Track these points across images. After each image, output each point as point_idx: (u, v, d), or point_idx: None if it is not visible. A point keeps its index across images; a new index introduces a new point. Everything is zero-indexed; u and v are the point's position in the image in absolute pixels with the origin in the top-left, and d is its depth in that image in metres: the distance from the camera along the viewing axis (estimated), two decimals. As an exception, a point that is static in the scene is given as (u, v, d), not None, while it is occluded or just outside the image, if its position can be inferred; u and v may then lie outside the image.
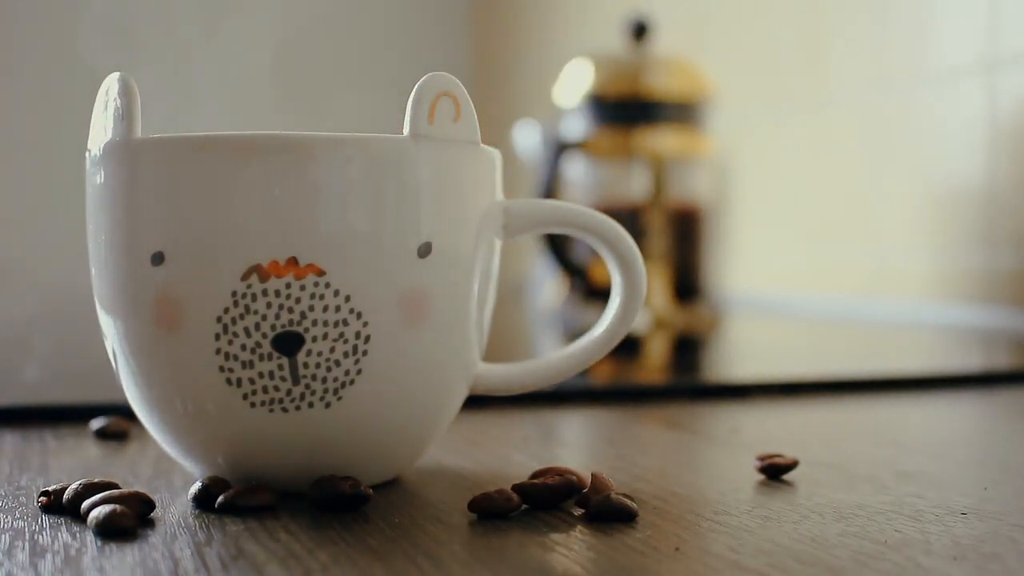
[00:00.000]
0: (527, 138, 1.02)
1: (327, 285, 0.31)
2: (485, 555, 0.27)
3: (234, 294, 0.31)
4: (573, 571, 0.26)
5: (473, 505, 0.31)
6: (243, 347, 0.31)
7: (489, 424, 0.45)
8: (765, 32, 1.24)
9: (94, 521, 0.29)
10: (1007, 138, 0.91)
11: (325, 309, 0.31)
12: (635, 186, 0.92)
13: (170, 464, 0.37)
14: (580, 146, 0.91)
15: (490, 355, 0.37)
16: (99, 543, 0.28)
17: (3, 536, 0.29)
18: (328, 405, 0.32)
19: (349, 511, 0.31)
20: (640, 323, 0.85)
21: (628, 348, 0.70)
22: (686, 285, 0.91)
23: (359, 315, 0.32)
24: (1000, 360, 0.74)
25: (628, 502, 0.30)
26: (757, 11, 1.26)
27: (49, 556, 0.27)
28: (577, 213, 0.36)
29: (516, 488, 0.31)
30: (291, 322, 0.31)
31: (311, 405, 0.32)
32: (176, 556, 0.27)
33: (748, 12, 1.29)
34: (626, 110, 0.91)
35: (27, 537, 0.29)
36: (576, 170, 0.94)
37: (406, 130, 0.32)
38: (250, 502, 0.31)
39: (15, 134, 1.86)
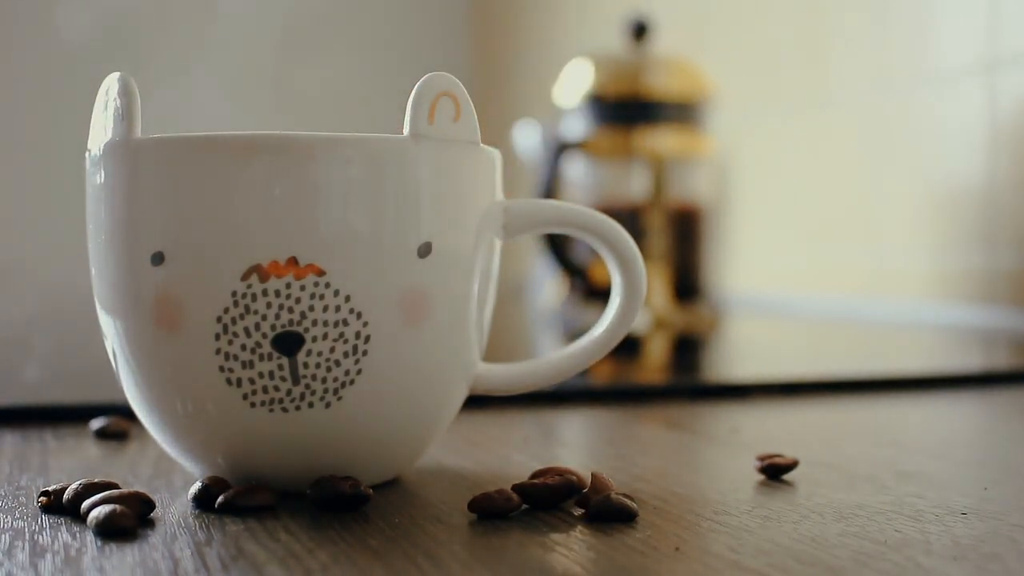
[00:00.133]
0: (527, 138, 1.02)
1: (327, 285, 0.31)
2: (485, 555, 0.27)
3: (234, 294, 0.31)
4: (573, 571, 0.26)
5: (473, 505, 0.31)
6: (243, 347, 0.31)
7: (489, 424, 0.45)
8: (765, 32, 1.24)
9: (94, 521, 0.29)
10: (1007, 138, 0.91)
11: (325, 309, 0.31)
12: (635, 186, 0.92)
13: (170, 464, 0.37)
14: (580, 146, 0.91)
15: (490, 355, 0.37)
16: (99, 543, 0.28)
17: (3, 536, 0.29)
18: (328, 405, 0.32)
19: (349, 511, 0.31)
20: (640, 323, 0.85)
21: (628, 348, 0.70)
22: (686, 285, 0.91)
23: (359, 315, 0.32)
24: (1000, 360, 0.74)
25: (628, 502, 0.30)
26: (757, 11, 1.26)
27: (49, 556, 0.27)
28: (577, 213, 0.36)
29: (516, 488, 0.31)
30: (291, 322, 0.31)
31: (311, 405, 0.32)
32: (176, 556, 0.27)
33: (748, 12, 1.29)
34: (626, 110, 0.91)
35: (27, 537, 0.29)
36: (576, 170, 0.94)
37: (406, 130, 0.32)
38: (250, 502, 0.31)
39: (15, 134, 1.86)
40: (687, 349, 0.81)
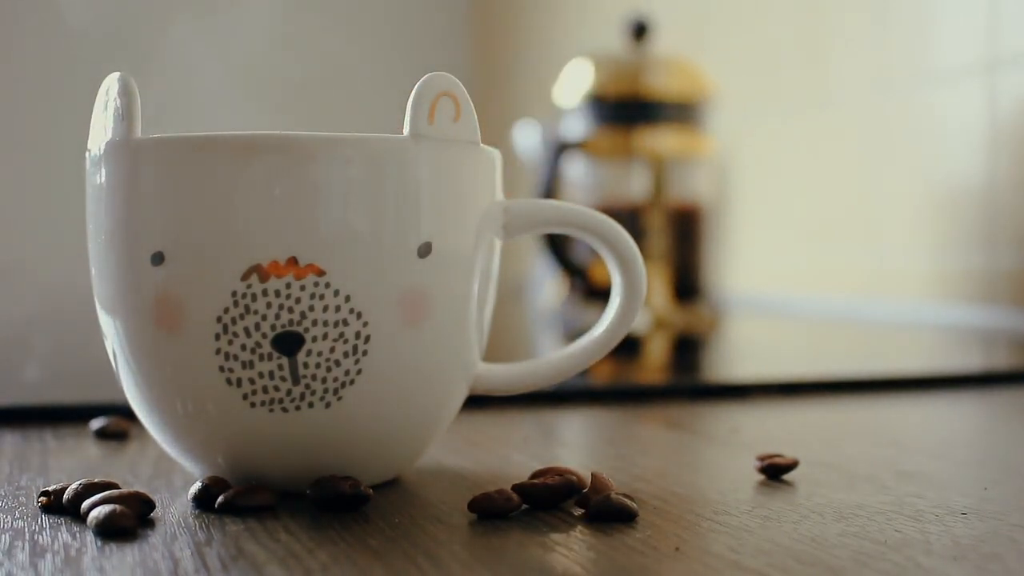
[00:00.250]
0: (527, 138, 1.02)
1: (327, 285, 0.31)
2: (485, 555, 0.27)
3: (234, 294, 0.31)
4: (573, 571, 0.26)
5: (473, 505, 0.31)
6: (243, 347, 0.31)
7: (489, 424, 0.45)
8: (765, 32, 1.24)
9: (94, 521, 0.29)
10: (1007, 138, 0.91)
11: (325, 309, 0.31)
12: (635, 186, 0.92)
13: (170, 464, 0.37)
14: (580, 146, 0.91)
15: (490, 355, 0.37)
16: (99, 543, 0.28)
17: (3, 536, 0.29)
18: (328, 405, 0.32)
19: (349, 511, 0.31)
20: (640, 323, 0.85)
21: (628, 348, 0.70)
22: (686, 285, 0.91)
23: (359, 315, 0.32)
24: (1000, 360, 0.74)
25: (628, 502, 0.30)
26: (757, 11, 1.26)
27: (49, 556, 0.27)
28: (577, 213, 0.36)
29: (516, 488, 0.31)
30: (291, 322, 0.31)
31: (311, 405, 0.32)
32: (176, 556, 0.27)
33: (748, 12, 1.29)
34: (626, 110, 0.91)
35: (27, 537, 0.29)
36: (576, 170, 0.94)
37: (406, 130, 0.32)
38: (250, 502, 0.31)
39: (15, 134, 1.86)
40: (687, 349, 0.81)
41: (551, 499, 0.31)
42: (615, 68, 0.93)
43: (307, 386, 0.32)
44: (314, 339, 0.31)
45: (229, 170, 0.31)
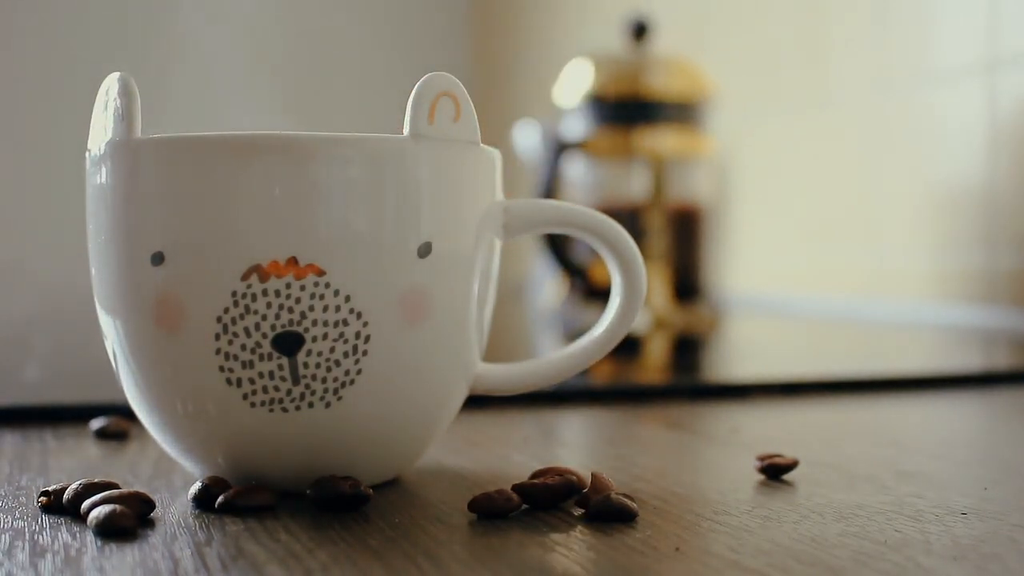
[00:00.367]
0: (527, 138, 1.02)
1: (327, 285, 0.31)
2: (485, 555, 0.27)
3: (234, 294, 0.31)
4: (573, 571, 0.26)
5: (473, 505, 0.31)
6: (243, 347, 0.31)
7: (489, 424, 0.45)
8: (765, 32, 1.24)
9: (94, 521, 0.29)
10: (1007, 138, 0.91)
11: (325, 309, 0.31)
12: (635, 186, 0.92)
13: (170, 464, 0.37)
14: (580, 146, 0.91)
15: (490, 355, 0.37)
16: (99, 543, 0.28)
17: (3, 536, 0.29)
18: (328, 405, 0.32)
19: (349, 511, 0.31)
20: (640, 323, 0.85)
21: (628, 348, 0.70)
22: (686, 285, 0.91)
23: (359, 315, 0.32)
24: (1000, 360, 0.74)
25: (628, 502, 0.30)
26: (757, 11, 1.27)
27: (49, 556, 0.27)
28: (577, 213, 0.36)
29: (516, 488, 0.31)
30: (291, 322, 0.31)
31: (311, 405, 0.32)
32: (176, 556, 0.27)
33: (748, 12, 1.29)
34: (626, 110, 0.91)
35: (27, 537, 0.29)
36: (576, 170, 0.94)
37: (406, 130, 0.32)
38: (250, 502, 0.31)
39: (15, 134, 1.86)
40: (687, 349, 0.81)
41: (551, 499, 0.31)
42: (615, 68, 0.93)
43: (307, 386, 0.32)
44: (314, 339, 0.31)
45: (229, 170, 0.31)
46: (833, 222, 1.13)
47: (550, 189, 0.89)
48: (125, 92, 0.33)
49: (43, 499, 0.31)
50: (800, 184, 1.18)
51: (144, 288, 0.32)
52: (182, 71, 1.87)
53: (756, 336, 0.92)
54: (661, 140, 0.91)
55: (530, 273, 1.23)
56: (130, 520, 0.29)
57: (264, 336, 0.31)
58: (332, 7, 2.04)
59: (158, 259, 0.32)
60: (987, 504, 0.32)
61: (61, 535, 0.29)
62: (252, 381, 0.32)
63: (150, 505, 0.30)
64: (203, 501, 0.31)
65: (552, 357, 0.37)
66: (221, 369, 0.32)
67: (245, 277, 0.31)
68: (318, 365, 0.32)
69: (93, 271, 0.34)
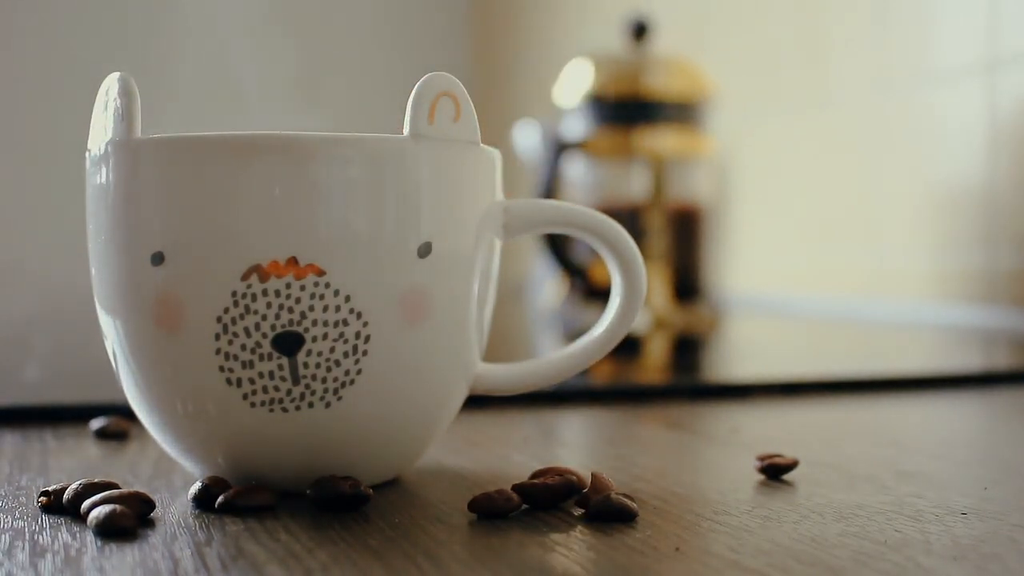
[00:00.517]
0: (527, 138, 1.02)
1: (327, 285, 0.31)
2: (485, 555, 0.27)
3: (234, 294, 0.31)
4: (573, 571, 0.26)
5: (473, 505, 0.31)
6: (243, 347, 0.31)
7: (489, 424, 0.45)
8: (765, 32, 1.24)
9: (94, 521, 0.29)
10: (1007, 138, 0.91)
11: (325, 309, 0.31)
12: (635, 186, 0.92)
13: (170, 464, 0.37)
14: (580, 146, 0.91)
15: (490, 355, 0.37)
16: (99, 543, 0.28)
17: (3, 536, 0.29)
18: (328, 405, 0.32)
19: (349, 511, 0.31)
20: (640, 323, 0.85)
21: (628, 348, 0.70)
22: (686, 285, 0.91)
23: (359, 315, 0.32)
24: (1000, 360, 0.74)
25: (628, 502, 0.30)
26: (757, 11, 1.27)
27: (49, 556, 0.27)
28: (577, 213, 0.36)
29: (516, 488, 0.31)
30: (291, 322, 0.31)
31: (311, 405, 0.32)
32: (176, 556, 0.27)
33: (748, 12, 1.29)
34: (626, 110, 0.91)
35: (27, 537, 0.29)
36: (576, 170, 0.94)
37: (406, 130, 0.32)
38: (250, 502, 0.31)
39: (15, 134, 1.86)
40: (687, 349, 0.81)
41: (551, 499, 0.31)
42: (615, 68, 0.93)
43: (307, 386, 0.32)
44: (314, 339, 0.31)
45: (229, 170, 0.31)
46: (833, 222, 1.13)
47: (550, 189, 0.89)
48: (125, 92, 0.33)
49: (43, 499, 0.31)
50: (800, 184, 1.18)
51: (144, 288, 0.32)
52: (182, 71, 1.87)
53: (756, 336, 0.92)
54: (661, 140, 0.91)
55: (530, 273, 1.23)
56: (130, 520, 0.29)
57: (264, 336, 0.31)
58: (332, 7, 2.04)
59: (158, 259, 0.32)
60: (987, 504, 0.32)
61: (61, 535, 0.29)
62: (252, 381, 0.32)
63: (150, 505, 0.30)
64: (203, 501, 0.31)
65: (552, 357, 0.37)
66: (221, 369, 0.32)
67: (245, 277, 0.31)
68: (318, 365, 0.32)
69: (93, 271, 0.34)
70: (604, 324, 0.36)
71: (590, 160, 0.93)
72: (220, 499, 0.31)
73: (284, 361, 0.31)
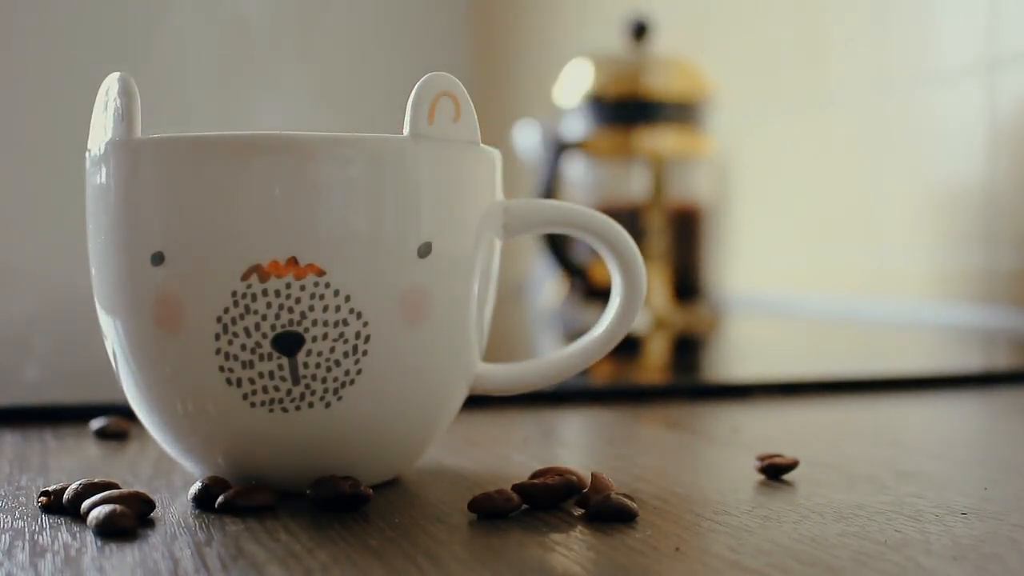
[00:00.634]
0: (527, 138, 1.02)
1: (327, 285, 0.31)
2: (485, 555, 0.27)
3: (234, 294, 0.31)
4: (573, 571, 0.26)
5: (473, 505, 0.31)
6: (243, 347, 0.31)
7: (489, 424, 0.45)
8: (765, 32, 1.24)
9: (94, 521, 0.29)
10: (1007, 138, 0.91)
11: (325, 309, 0.31)
12: (635, 186, 0.92)
13: (170, 464, 0.37)
14: (580, 146, 0.91)
15: (490, 355, 0.37)
16: (99, 543, 0.28)
17: (3, 536, 0.29)
18: (328, 405, 0.32)
19: (349, 511, 0.31)
20: (640, 323, 0.85)
21: (628, 348, 0.70)
22: (686, 285, 0.91)
23: (359, 315, 0.32)
24: (1000, 360, 0.74)
25: (628, 502, 0.30)
26: (757, 11, 1.27)
27: (49, 556, 0.27)
28: (577, 213, 0.36)
29: (516, 488, 0.31)
30: (291, 322, 0.31)
31: (311, 405, 0.32)
32: (176, 556, 0.27)
33: (748, 12, 1.29)
34: (626, 110, 0.91)
35: (27, 537, 0.29)
36: (576, 170, 0.94)
37: (406, 130, 0.32)
38: (250, 502, 0.31)
39: (15, 134, 1.86)
40: (687, 349, 0.81)
41: (551, 499, 0.31)
42: (615, 68, 0.93)
43: (307, 386, 0.32)
44: (314, 339, 0.31)
45: (229, 170, 0.31)
46: (833, 222, 1.13)
47: (550, 189, 0.89)
48: (125, 92, 0.33)
49: (43, 499, 0.31)
50: (800, 184, 1.18)
51: (144, 288, 0.32)
52: (182, 71, 1.87)
53: (756, 336, 0.92)
54: (661, 140, 0.91)
55: (530, 273, 1.23)
56: (130, 520, 0.29)
57: (264, 336, 0.31)
58: (332, 7, 2.04)
59: (158, 259, 0.32)
60: (987, 504, 0.32)
61: (61, 535, 0.29)
62: (252, 381, 0.32)
63: (150, 505, 0.30)
64: (203, 501, 0.31)
65: (552, 357, 0.37)
66: (221, 369, 0.32)
67: (245, 277, 0.31)
68: (318, 365, 0.32)
69: (93, 271, 0.34)
70: (604, 324, 0.36)
71: (590, 160, 0.93)
72: (220, 499, 0.31)
73: (284, 361, 0.31)
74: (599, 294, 0.86)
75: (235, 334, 0.31)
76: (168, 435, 0.34)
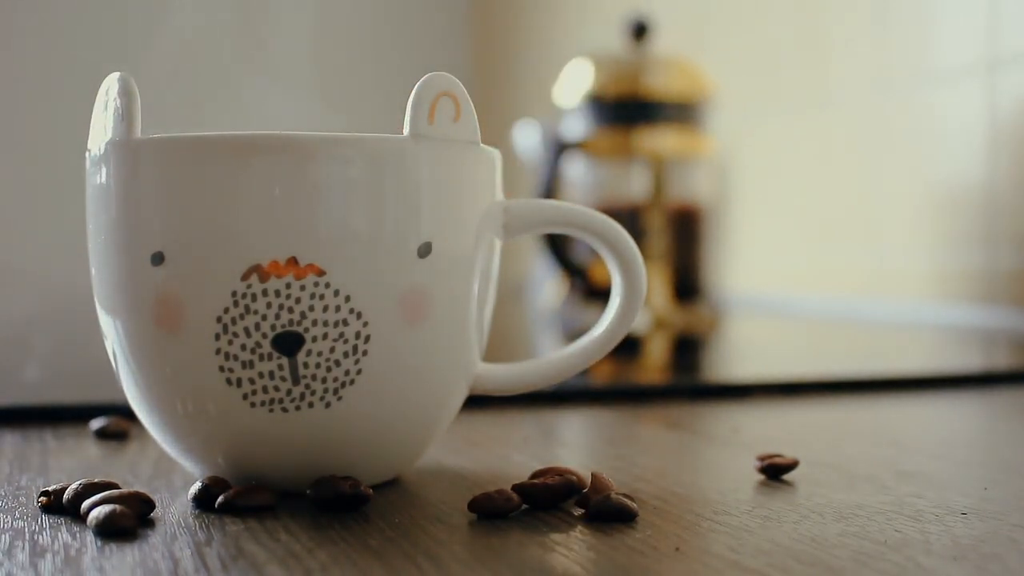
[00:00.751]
0: (527, 138, 1.02)
1: (327, 285, 0.31)
2: (485, 555, 0.27)
3: (234, 294, 0.31)
4: (573, 571, 0.26)
5: (473, 505, 0.31)
6: (243, 347, 0.31)
7: (489, 424, 0.45)
8: (765, 32, 1.24)
9: (94, 521, 0.29)
10: (1007, 138, 0.91)
11: (325, 309, 0.31)
12: (635, 186, 0.92)
13: (170, 464, 0.37)
14: (580, 146, 0.91)
15: (490, 355, 0.37)
16: (99, 543, 0.28)
17: (3, 536, 0.29)
18: (328, 405, 0.32)
19: (349, 511, 0.31)
20: (640, 323, 0.85)
21: (628, 348, 0.70)
22: (686, 285, 0.91)
23: (359, 315, 0.32)
24: (1000, 360, 0.74)
25: (628, 502, 0.30)
26: (757, 11, 1.27)
27: (49, 556, 0.27)
28: (577, 213, 0.36)
29: (516, 488, 0.31)
30: (291, 322, 0.31)
31: (311, 405, 0.32)
32: (176, 556, 0.27)
33: (748, 12, 1.29)
34: (626, 110, 0.91)
35: (27, 537, 0.29)
36: (576, 170, 0.94)
37: (406, 130, 0.32)
38: (250, 502, 0.31)
39: (15, 134, 1.86)
40: (687, 349, 0.81)
41: (551, 499, 0.31)
42: (615, 68, 0.93)
43: (307, 386, 0.32)
44: (314, 339, 0.31)
45: (229, 170, 0.31)
46: (833, 222, 1.13)
47: (550, 189, 0.89)
48: (125, 92, 0.33)
49: (43, 499, 0.31)
50: (800, 184, 1.18)
51: (144, 288, 0.32)
52: (182, 71, 1.87)
53: (756, 336, 0.92)
54: (661, 140, 0.91)
55: (530, 273, 1.23)
56: (130, 520, 0.29)
57: (264, 336, 0.31)
58: (332, 7, 2.04)
59: (158, 259, 0.32)
60: (987, 504, 0.32)
61: (61, 535, 0.29)
62: (252, 381, 0.32)
63: (150, 505, 0.30)
64: (203, 501, 0.31)
65: (552, 357, 0.37)
66: (221, 369, 0.32)
67: (245, 277, 0.31)
68: (318, 365, 0.32)
69: (93, 271, 0.34)
70: (604, 324, 0.36)
71: (590, 160, 0.93)
72: (220, 499, 0.31)
73: (284, 361, 0.31)
74: (599, 294, 0.86)
75: (235, 334, 0.31)
76: (168, 435, 0.34)
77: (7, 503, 0.32)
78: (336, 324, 0.31)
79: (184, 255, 0.31)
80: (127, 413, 0.38)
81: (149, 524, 0.30)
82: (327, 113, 1.89)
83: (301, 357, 0.31)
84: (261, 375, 0.32)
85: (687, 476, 0.38)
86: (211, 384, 0.32)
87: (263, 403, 0.32)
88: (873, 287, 1.06)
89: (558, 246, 0.87)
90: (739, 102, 1.21)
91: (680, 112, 0.91)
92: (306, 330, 0.31)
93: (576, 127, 0.93)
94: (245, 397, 0.32)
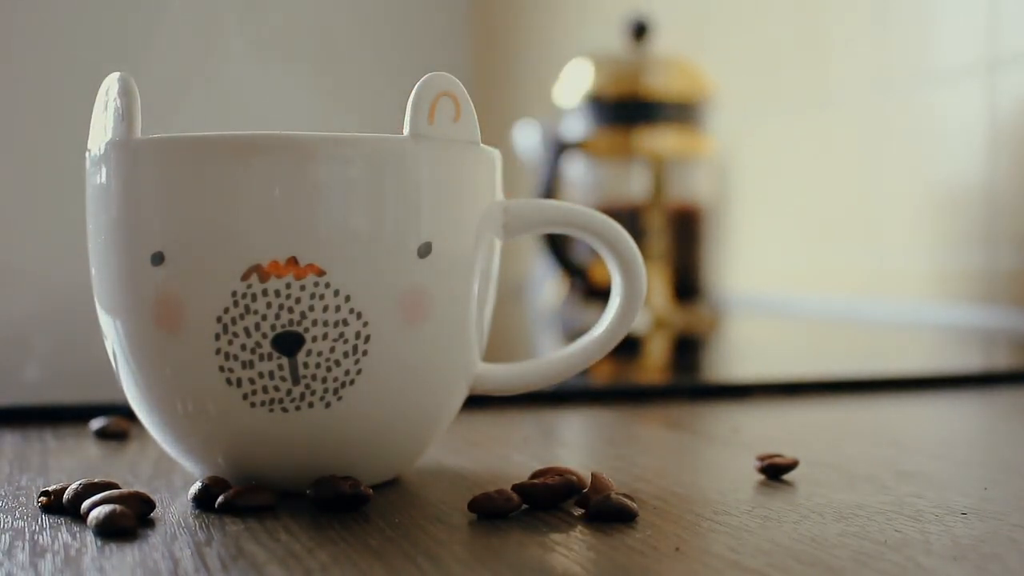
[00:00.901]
0: (527, 138, 1.02)
1: (327, 285, 0.31)
2: (485, 555, 0.27)
3: (234, 294, 0.31)
4: (573, 571, 0.26)
5: (473, 505, 0.31)
6: (243, 347, 0.31)
7: (489, 424, 0.45)
8: (765, 32, 1.24)
9: (94, 521, 0.29)
10: (1007, 138, 0.91)
11: (325, 309, 0.31)
12: (635, 186, 0.92)
13: (170, 464, 0.37)
14: (580, 146, 0.91)
15: (490, 355, 0.37)
16: (99, 543, 0.28)
17: (3, 536, 0.29)
18: (328, 405, 0.32)
19: (349, 511, 0.31)
20: (640, 323, 0.85)
21: (628, 348, 0.70)
22: (686, 285, 0.91)
23: (359, 315, 0.32)
24: (1000, 360, 0.74)
25: (628, 502, 0.30)
26: (757, 11, 1.27)
27: (49, 556, 0.27)
28: (577, 213, 0.36)
29: (516, 488, 0.31)
30: (291, 322, 0.31)
31: (311, 405, 0.32)
32: (176, 556, 0.27)
33: (748, 12, 1.29)
34: (626, 110, 0.91)
35: (27, 537, 0.29)
36: (576, 170, 0.94)
37: (406, 130, 0.32)
38: (250, 502, 0.31)
39: (15, 134, 1.86)
40: (687, 349, 0.81)
41: (551, 499, 0.31)
42: (615, 68, 0.93)
43: (307, 386, 0.32)
44: (314, 339, 0.31)
45: (229, 170, 0.31)
46: (833, 222, 1.13)
47: (550, 189, 0.89)
48: (125, 92, 0.33)
49: (43, 499, 0.31)
50: (800, 184, 1.18)
51: (144, 288, 0.32)
52: (182, 71, 1.87)
53: (756, 336, 0.92)
54: (661, 140, 0.91)
55: (530, 273, 1.23)
56: (130, 520, 0.29)
57: (264, 336, 0.31)
58: (332, 7, 2.04)
59: (158, 259, 0.32)
60: (987, 504, 0.32)
61: (61, 535, 0.29)
62: (252, 381, 0.32)
63: (150, 505, 0.30)
64: (203, 501, 0.31)
65: (552, 357, 0.37)
66: (221, 369, 0.32)
67: (245, 277, 0.31)
68: (318, 365, 0.32)
69: (93, 271, 0.34)
70: (604, 324, 0.36)
71: (590, 160, 0.93)
72: (220, 499, 0.31)
73: (284, 361, 0.31)
74: (599, 294, 0.86)
75: (235, 334, 0.31)
76: (168, 435, 0.34)
77: (7, 503, 0.32)
78: (336, 324, 0.31)
79: (184, 255, 0.31)
80: (127, 413, 0.38)
81: (149, 524, 0.30)
82: (327, 113, 1.89)
83: (301, 357, 0.31)
84: (261, 375, 0.32)
85: (687, 476, 0.38)
86: (211, 384, 0.32)
87: (263, 403, 0.32)
88: (873, 287, 1.06)
89: (558, 246, 0.87)
90: (739, 102, 1.21)
91: (680, 112, 0.91)
92: (306, 330, 0.31)
93: (576, 127, 0.93)
94: (245, 397, 0.32)
